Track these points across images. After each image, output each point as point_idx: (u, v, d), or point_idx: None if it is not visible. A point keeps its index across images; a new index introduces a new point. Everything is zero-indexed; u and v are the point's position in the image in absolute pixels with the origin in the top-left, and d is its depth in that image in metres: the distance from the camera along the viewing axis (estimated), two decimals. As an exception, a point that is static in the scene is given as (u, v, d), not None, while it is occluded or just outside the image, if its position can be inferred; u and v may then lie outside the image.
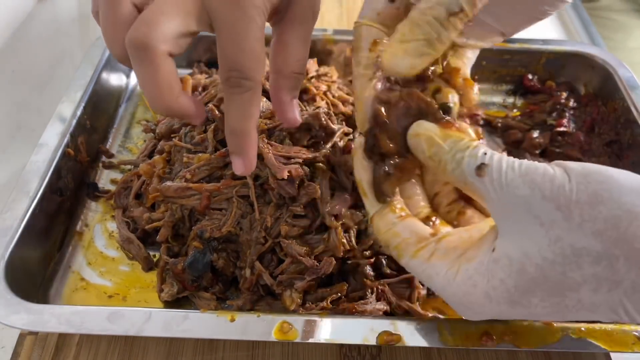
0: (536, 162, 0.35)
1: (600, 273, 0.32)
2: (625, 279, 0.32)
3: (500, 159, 0.35)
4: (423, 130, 0.38)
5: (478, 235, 0.38)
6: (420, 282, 0.51)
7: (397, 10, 0.41)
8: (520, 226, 0.34)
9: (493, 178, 0.35)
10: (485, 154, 0.36)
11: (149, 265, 0.54)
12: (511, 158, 0.35)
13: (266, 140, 0.50)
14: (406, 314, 0.49)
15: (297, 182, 0.49)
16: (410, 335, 0.43)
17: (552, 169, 0.33)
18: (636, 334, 0.44)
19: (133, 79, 0.74)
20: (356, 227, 0.50)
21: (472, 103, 0.44)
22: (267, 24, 0.40)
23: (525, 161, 0.35)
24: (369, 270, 0.50)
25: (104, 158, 0.65)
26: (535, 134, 0.69)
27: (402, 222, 0.40)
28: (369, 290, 0.49)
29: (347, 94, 0.65)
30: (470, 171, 0.36)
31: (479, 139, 0.38)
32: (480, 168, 0.35)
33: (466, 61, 0.44)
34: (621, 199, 0.31)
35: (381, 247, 0.51)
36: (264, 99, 0.57)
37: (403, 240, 0.39)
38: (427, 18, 0.38)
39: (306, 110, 0.56)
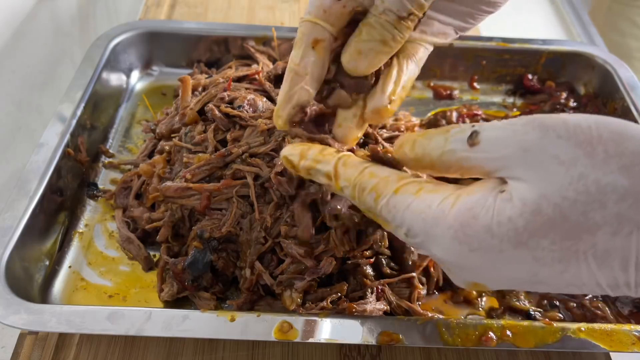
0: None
1: (624, 212, 0.30)
2: None
3: (491, 123, 0.34)
4: (405, 138, 0.37)
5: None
6: (419, 282, 0.51)
7: (344, 9, 0.41)
8: (535, 169, 0.32)
9: (490, 138, 0.33)
10: (473, 125, 0.34)
11: (149, 265, 0.54)
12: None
13: None
14: (406, 314, 0.49)
15: (297, 182, 0.49)
16: (410, 335, 0.43)
17: (559, 114, 0.32)
18: (636, 333, 0.45)
19: (133, 79, 0.74)
20: (356, 227, 0.50)
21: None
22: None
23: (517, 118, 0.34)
24: (369, 270, 0.50)
25: (104, 158, 0.65)
26: (535, 134, 0.69)
27: (374, 163, 0.38)
28: (369, 290, 0.49)
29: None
30: (462, 145, 0.34)
31: None
32: (472, 137, 0.33)
33: (418, 61, 0.45)
34: None
35: (377, 245, 0.50)
36: (264, 99, 0.57)
37: (382, 179, 0.36)
38: (381, 21, 0.40)
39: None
